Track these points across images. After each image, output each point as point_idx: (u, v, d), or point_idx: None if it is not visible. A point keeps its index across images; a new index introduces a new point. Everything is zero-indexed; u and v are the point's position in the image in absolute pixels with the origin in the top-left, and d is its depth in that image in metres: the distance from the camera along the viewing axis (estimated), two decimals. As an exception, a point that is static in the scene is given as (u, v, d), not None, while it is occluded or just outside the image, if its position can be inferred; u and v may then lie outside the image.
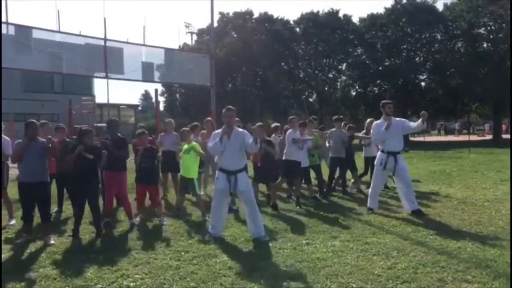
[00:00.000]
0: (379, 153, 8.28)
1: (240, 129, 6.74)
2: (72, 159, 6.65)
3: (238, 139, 6.42)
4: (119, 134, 7.66)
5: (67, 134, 8.97)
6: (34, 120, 6.71)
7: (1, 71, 9.94)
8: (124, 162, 7.57)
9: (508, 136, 35.73)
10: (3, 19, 15.02)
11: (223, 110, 6.61)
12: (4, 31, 14.79)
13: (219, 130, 6.61)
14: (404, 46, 39.18)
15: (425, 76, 40.81)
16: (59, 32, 16.14)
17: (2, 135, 7.52)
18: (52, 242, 6.35)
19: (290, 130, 9.09)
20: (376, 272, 4.97)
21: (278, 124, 10.65)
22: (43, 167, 6.58)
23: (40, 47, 15.24)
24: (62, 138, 8.46)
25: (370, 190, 8.43)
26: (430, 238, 6.34)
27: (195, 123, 10.37)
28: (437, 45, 38.42)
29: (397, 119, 8.17)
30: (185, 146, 8.25)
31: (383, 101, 8.28)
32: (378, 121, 8.24)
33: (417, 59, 39.67)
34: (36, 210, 6.64)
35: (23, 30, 15.03)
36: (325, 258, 5.47)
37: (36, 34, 15.23)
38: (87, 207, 6.88)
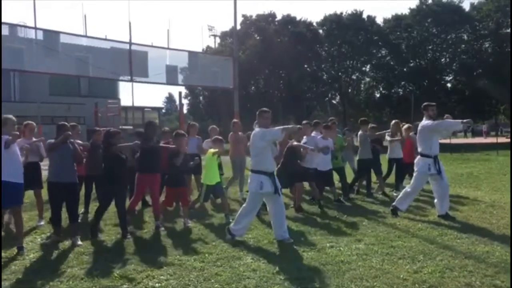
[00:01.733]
0: (419, 157, 7.86)
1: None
2: (102, 161, 6.78)
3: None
4: (155, 137, 7.76)
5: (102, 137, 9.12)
6: (65, 123, 6.86)
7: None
8: (158, 164, 7.65)
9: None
10: (32, 24, 15.46)
11: (258, 112, 6.56)
12: (32, 36, 15.20)
13: (257, 129, 6.50)
14: (430, 47, 38.69)
15: (451, 77, 40.22)
16: (85, 36, 16.50)
17: (34, 138, 7.75)
18: (80, 242, 6.47)
19: (305, 137, 9.13)
20: (401, 276, 4.91)
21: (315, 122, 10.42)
22: (72, 168, 6.72)
23: (67, 51, 15.62)
24: (96, 140, 8.58)
25: (403, 192, 8.15)
26: (457, 242, 6.23)
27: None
28: (463, 45, 37.83)
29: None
30: (212, 151, 8.14)
31: (425, 103, 7.95)
32: (426, 122, 7.83)
33: (443, 60, 39.13)
34: (64, 211, 6.78)
35: (51, 35, 15.40)
36: (350, 261, 5.43)
37: (63, 39, 15.61)
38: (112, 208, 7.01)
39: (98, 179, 7.57)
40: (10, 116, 6.26)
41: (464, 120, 7.41)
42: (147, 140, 7.68)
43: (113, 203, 7.01)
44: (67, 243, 6.51)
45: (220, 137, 8.48)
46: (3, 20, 14.10)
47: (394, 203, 8.15)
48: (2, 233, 7.11)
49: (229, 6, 40.67)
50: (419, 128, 7.97)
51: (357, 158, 10.41)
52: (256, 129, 6.52)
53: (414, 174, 8.00)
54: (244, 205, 6.73)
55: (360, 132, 10.48)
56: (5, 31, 14.22)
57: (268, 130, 6.36)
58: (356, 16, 40.07)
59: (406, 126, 10.79)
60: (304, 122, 9.56)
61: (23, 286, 4.86)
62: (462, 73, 37.32)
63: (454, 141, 30.04)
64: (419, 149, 7.92)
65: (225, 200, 8.35)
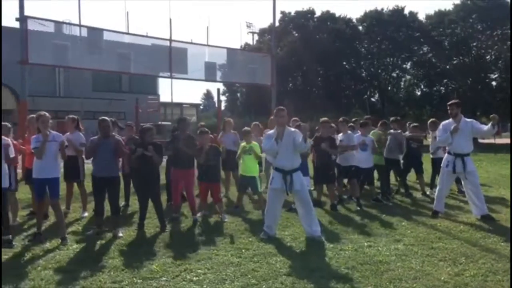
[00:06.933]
0: (446, 154, 7.97)
1: (292, 129, 6.73)
2: (135, 156, 6.93)
3: (290, 139, 6.42)
4: (188, 133, 7.86)
5: (135, 132, 9.34)
6: (107, 118, 7.04)
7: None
8: (192, 159, 7.78)
9: None
10: (77, 21, 15.91)
11: (274, 111, 6.64)
12: (77, 33, 15.65)
13: (271, 131, 6.66)
14: (474, 44, 37.42)
15: (496, 75, 38.72)
16: (127, 33, 16.85)
17: (76, 131, 7.99)
18: (121, 234, 6.65)
19: (340, 134, 9.06)
20: (442, 278, 4.79)
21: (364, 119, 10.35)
22: (115, 163, 6.92)
23: (110, 48, 16.02)
24: (130, 135, 8.85)
25: (436, 192, 8.14)
26: (501, 245, 6.03)
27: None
28: (509, 42, 36.33)
29: (467, 120, 7.80)
30: (243, 144, 8.34)
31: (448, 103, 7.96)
32: (445, 122, 7.90)
33: (487, 57, 37.77)
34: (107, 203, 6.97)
35: (95, 32, 15.84)
36: (388, 262, 5.34)
37: (106, 36, 16.01)
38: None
39: (132, 173, 7.75)
40: (43, 112, 6.47)
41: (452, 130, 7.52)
42: (179, 136, 7.76)
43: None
44: (108, 235, 6.69)
45: (248, 129, 8.56)
46: (48, 17, 14.66)
47: (434, 208, 8.06)
48: (47, 223, 7.40)
49: (268, 3, 40.73)
50: (440, 126, 8.07)
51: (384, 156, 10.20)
52: (271, 131, 6.65)
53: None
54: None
55: (391, 130, 10.30)
56: (50, 28, 14.67)
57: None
58: (398, 12, 39.22)
59: (430, 121, 10.61)
60: (340, 119, 9.45)
61: (66, 275, 5.01)
62: (508, 70, 35.87)
63: (499, 141, 29.01)
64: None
65: (261, 197, 8.39)
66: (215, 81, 20.75)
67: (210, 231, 7.03)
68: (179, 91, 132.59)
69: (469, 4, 36.54)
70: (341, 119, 9.51)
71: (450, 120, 7.78)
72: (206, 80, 19.63)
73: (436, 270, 5.04)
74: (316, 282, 4.72)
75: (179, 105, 42.32)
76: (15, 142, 7.47)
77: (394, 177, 11.44)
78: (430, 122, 10.50)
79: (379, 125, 10.01)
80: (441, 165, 8.03)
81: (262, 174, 9.74)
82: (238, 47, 34.17)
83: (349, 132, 9.21)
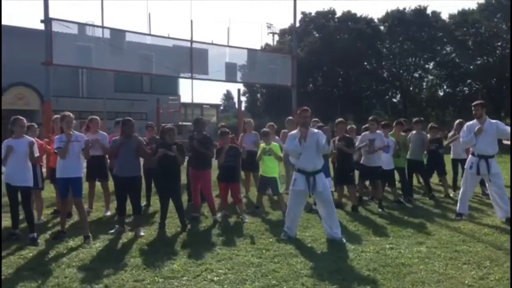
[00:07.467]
0: (469, 156, 7.84)
1: (315, 130, 6.68)
2: (156, 158, 6.99)
3: (313, 140, 6.37)
4: (205, 133, 7.89)
5: (156, 132, 9.43)
6: (131, 118, 7.12)
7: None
8: (210, 160, 7.80)
9: None
10: (99, 23, 16.14)
11: (298, 111, 6.61)
12: (100, 34, 15.87)
13: (294, 131, 6.60)
14: (499, 43, 36.73)
15: (521, 75, 37.94)
16: (149, 35, 17.02)
17: (100, 131, 8.10)
18: (142, 233, 6.71)
19: (366, 133, 8.94)
20: (466, 282, 4.71)
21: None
22: (137, 163, 7.00)
23: (132, 50, 16.20)
24: (151, 135, 8.93)
25: (459, 194, 8.00)
26: (527, 249, 5.89)
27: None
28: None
29: (492, 121, 7.65)
30: (263, 145, 8.33)
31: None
32: (470, 123, 7.77)
33: (512, 57, 36.98)
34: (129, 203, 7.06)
35: (118, 34, 16.02)
36: (411, 264, 5.27)
37: (129, 37, 16.18)
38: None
39: (154, 173, 7.82)
40: (68, 113, 6.59)
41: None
42: (195, 137, 7.78)
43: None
44: (130, 234, 6.77)
45: (267, 130, 8.55)
46: (72, 19, 14.88)
47: (457, 210, 7.92)
48: (71, 221, 7.52)
49: (288, 4, 40.67)
50: (464, 126, 7.94)
51: (407, 157, 10.05)
52: (293, 131, 6.61)
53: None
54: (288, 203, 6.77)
55: (413, 132, 10.16)
56: (74, 30, 14.91)
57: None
58: (420, 12, 38.78)
59: (457, 121, 10.41)
60: (370, 118, 9.30)
61: (89, 273, 5.09)
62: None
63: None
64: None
65: (281, 198, 8.37)
66: (235, 81, 20.80)
67: (230, 231, 7.04)
68: (199, 91, 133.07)
69: (494, 3, 35.90)
70: (371, 117, 9.35)
71: (475, 121, 7.65)
72: (227, 80, 19.69)
73: (460, 274, 4.96)
74: (338, 284, 4.69)
75: (200, 105, 42.55)
76: (41, 141, 7.63)
77: (416, 179, 11.30)
78: (457, 123, 10.29)
79: (394, 125, 9.86)
80: (465, 167, 7.92)
81: (282, 175, 9.72)
82: (259, 47, 34.15)
83: (378, 131, 9.03)
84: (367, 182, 9.57)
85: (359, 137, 9.62)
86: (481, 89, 35.50)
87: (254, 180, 10.25)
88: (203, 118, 8.83)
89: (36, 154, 6.53)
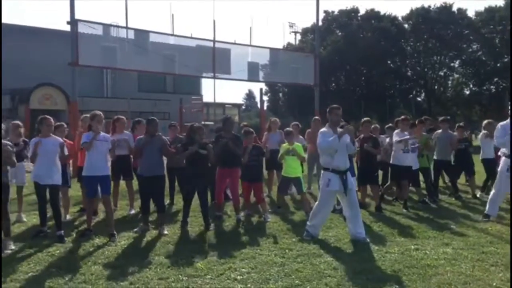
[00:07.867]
0: (503, 158, 7.52)
1: (338, 129, 6.60)
2: (184, 155, 7.03)
3: (345, 138, 6.33)
4: (233, 132, 7.91)
5: (179, 131, 9.50)
6: (155, 118, 7.19)
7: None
8: (239, 158, 7.78)
9: None
10: (124, 23, 16.35)
11: (329, 109, 6.53)
12: (124, 35, 16.08)
13: (325, 129, 6.50)
14: (527, 41, 35.82)
15: (551, 73, 36.96)
16: (173, 35, 17.16)
17: (125, 131, 8.19)
18: (166, 232, 6.77)
19: (396, 131, 8.78)
20: (494, 284, 4.61)
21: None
22: (160, 162, 7.07)
23: (156, 50, 16.37)
24: (174, 135, 9.00)
25: (491, 195, 7.75)
26: (558, 251, 5.73)
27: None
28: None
29: None
30: (286, 145, 8.28)
31: None
32: (504, 123, 7.51)
33: (541, 54, 36.07)
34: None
35: (141, 34, 16.23)
36: (437, 266, 5.19)
37: (152, 38, 16.36)
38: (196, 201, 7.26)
39: (179, 172, 7.86)
40: (99, 112, 6.70)
41: None
42: (224, 135, 7.79)
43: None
44: (154, 232, 6.84)
45: (290, 129, 8.51)
46: (97, 20, 15.11)
47: (485, 211, 7.71)
48: (97, 219, 7.64)
49: (311, 3, 40.36)
50: (498, 126, 7.63)
51: (434, 158, 9.87)
52: (324, 128, 6.51)
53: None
54: (316, 203, 6.70)
55: (439, 131, 9.96)
56: (99, 31, 15.15)
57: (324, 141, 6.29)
58: (446, 9, 38.13)
59: (486, 122, 10.12)
60: (402, 117, 9.12)
61: (115, 270, 5.16)
62: None
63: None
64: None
65: (305, 198, 8.33)
66: (257, 81, 20.87)
67: (253, 230, 7.05)
68: (222, 91, 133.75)
69: (522, -1, 35.02)
70: (403, 117, 9.17)
71: (508, 120, 7.41)
72: (249, 80, 19.74)
73: (487, 276, 4.86)
74: (362, 285, 4.65)
75: (222, 105, 42.73)
76: (70, 141, 7.78)
77: (442, 179, 11.11)
78: (486, 123, 9.98)
79: (417, 123, 9.57)
80: (499, 168, 7.60)
81: (304, 175, 9.67)
82: (281, 47, 34.10)
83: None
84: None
85: (383, 136, 9.51)
86: (508, 88, 34.67)
87: (277, 179, 10.22)
88: (232, 118, 8.77)
89: (66, 153, 6.69)
